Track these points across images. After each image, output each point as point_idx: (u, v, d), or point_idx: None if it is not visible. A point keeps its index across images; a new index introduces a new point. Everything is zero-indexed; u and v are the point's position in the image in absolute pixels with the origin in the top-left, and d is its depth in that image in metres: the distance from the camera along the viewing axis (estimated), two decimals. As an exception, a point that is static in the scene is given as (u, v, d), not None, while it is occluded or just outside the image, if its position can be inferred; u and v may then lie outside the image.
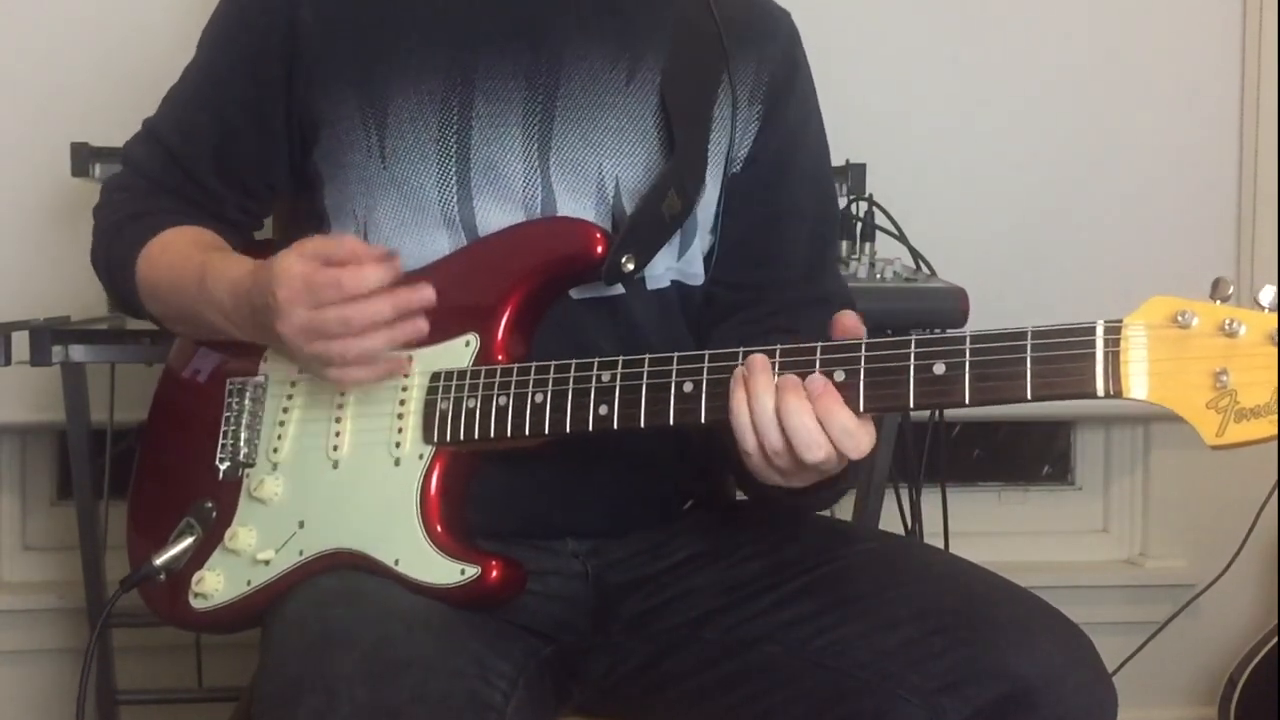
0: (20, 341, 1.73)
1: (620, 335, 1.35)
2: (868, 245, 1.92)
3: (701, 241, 1.41)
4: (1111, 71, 2.29)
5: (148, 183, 1.46)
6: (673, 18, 1.41)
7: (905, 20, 2.25)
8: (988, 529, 2.46)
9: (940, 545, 2.09)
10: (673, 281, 1.40)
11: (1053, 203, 2.29)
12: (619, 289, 1.34)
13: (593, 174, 1.36)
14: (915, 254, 2.00)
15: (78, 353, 1.75)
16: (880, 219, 1.98)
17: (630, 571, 1.37)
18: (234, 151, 1.42)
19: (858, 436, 1.09)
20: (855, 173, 1.96)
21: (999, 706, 1.13)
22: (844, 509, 2.10)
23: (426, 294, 1.22)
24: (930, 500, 2.15)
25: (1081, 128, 2.29)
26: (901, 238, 2.00)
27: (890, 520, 2.04)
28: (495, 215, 1.34)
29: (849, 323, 1.14)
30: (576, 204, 1.35)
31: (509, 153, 1.35)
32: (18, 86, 2.08)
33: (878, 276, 1.86)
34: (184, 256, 1.37)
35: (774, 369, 1.11)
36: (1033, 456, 2.56)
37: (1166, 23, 2.30)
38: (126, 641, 2.04)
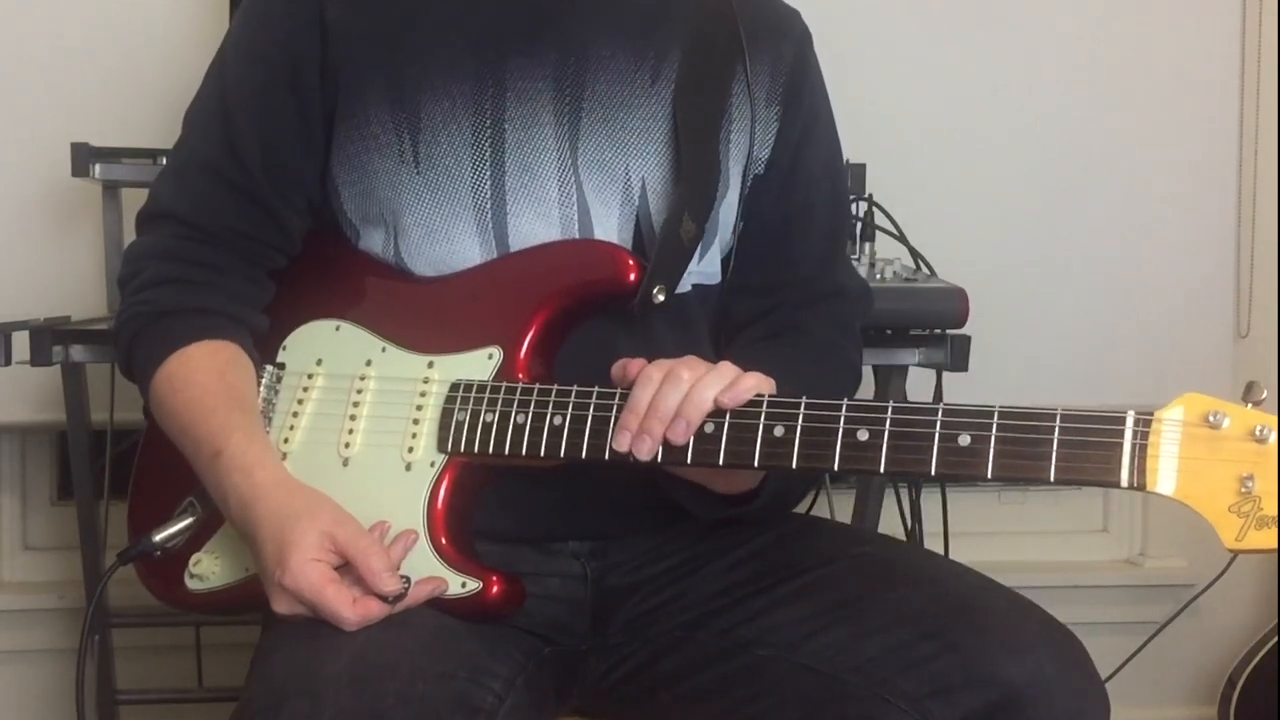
0: (20, 341, 1.73)
1: (637, 343, 1.33)
2: (868, 245, 1.92)
3: (721, 242, 1.41)
4: (1111, 71, 2.29)
5: (186, 242, 1.35)
6: (690, 17, 1.40)
7: (906, 21, 2.25)
8: (988, 529, 2.46)
9: (940, 546, 2.09)
10: (694, 285, 1.39)
11: (1053, 202, 2.29)
12: None
13: (619, 174, 1.36)
14: (915, 254, 1.99)
15: (78, 353, 1.74)
16: (880, 219, 1.98)
17: (629, 574, 1.37)
18: (286, 164, 1.36)
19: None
20: (855, 173, 1.96)
21: (988, 713, 1.13)
22: (844, 510, 2.10)
23: (441, 588, 1.21)
24: (930, 501, 2.14)
25: (1081, 128, 2.29)
26: (901, 238, 2.00)
27: (890, 521, 2.03)
28: (528, 220, 1.33)
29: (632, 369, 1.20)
30: (604, 206, 1.35)
31: (543, 155, 1.34)
32: (18, 86, 2.07)
33: (878, 276, 1.85)
34: (205, 408, 1.27)
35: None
36: (1033, 456, 2.55)
37: (1166, 23, 2.30)
38: (127, 641, 2.04)
